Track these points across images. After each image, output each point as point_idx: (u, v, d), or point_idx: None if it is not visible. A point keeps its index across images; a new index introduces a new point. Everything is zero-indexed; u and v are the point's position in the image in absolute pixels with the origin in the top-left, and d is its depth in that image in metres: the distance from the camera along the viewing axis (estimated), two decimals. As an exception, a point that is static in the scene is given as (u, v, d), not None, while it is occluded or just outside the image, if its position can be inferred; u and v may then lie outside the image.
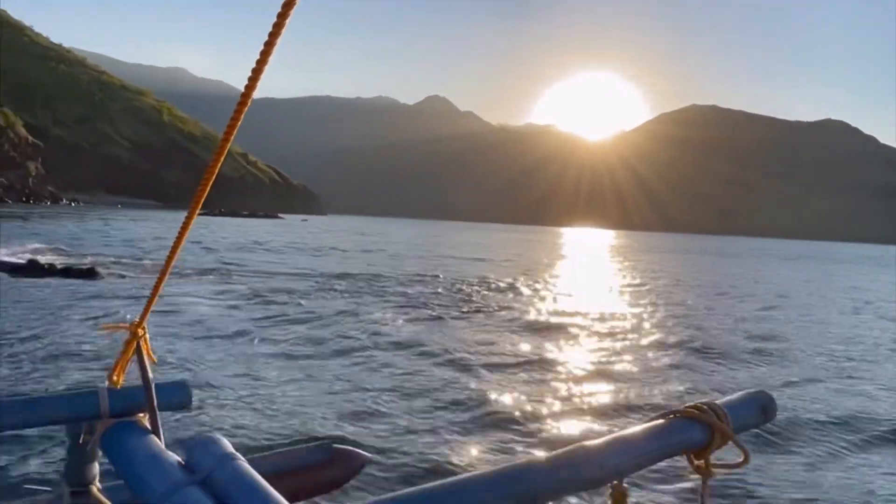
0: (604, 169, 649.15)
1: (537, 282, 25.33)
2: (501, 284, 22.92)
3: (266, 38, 1.07)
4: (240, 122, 1.20)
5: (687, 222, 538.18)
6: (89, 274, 17.16)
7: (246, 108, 1.17)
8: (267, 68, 1.09)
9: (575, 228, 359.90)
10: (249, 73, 1.10)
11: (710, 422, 1.33)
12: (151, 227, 53.25)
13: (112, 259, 23.12)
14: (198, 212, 1.40)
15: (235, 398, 7.43)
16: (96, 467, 1.63)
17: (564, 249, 68.89)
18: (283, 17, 1.05)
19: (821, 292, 28.89)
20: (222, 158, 1.28)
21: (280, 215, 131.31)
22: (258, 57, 1.08)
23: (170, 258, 1.53)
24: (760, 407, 1.44)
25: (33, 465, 5.13)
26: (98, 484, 1.65)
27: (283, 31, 1.06)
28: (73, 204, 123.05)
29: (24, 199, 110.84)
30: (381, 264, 29.28)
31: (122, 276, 18.18)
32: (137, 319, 1.67)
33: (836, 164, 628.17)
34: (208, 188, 1.36)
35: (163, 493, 1.17)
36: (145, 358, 1.64)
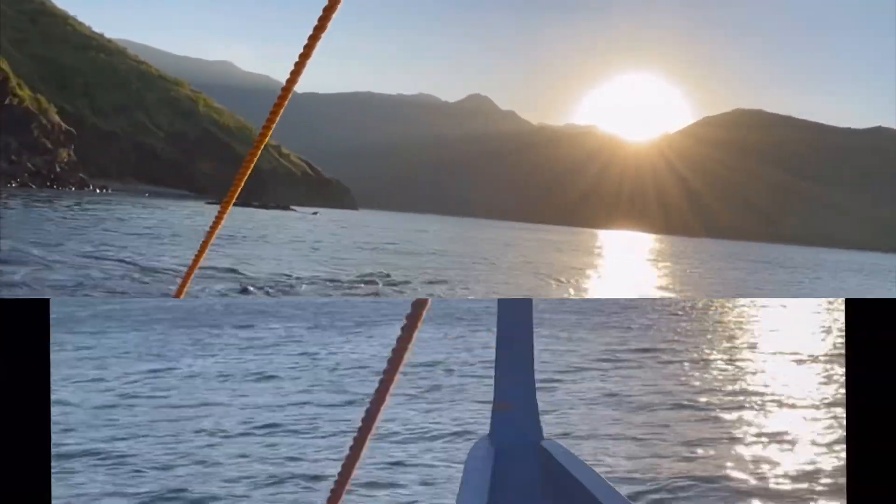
0: (645, 172, 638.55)
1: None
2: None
3: (311, 31, 1.04)
4: (279, 117, 1.14)
5: (731, 228, 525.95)
6: None
7: (286, 103, 1.14)
8: (309, 63, 1.04)
9: (613, 231, 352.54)
10: (291, 67, 1.08)
11: None
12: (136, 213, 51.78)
13: None
14: (231, 206, 1.33)
15: None
16: None
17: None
18: (329, 10, 1.02)
19: None
20: (259, 152, 1.21)
21: (292, 207, 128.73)
22: (301, 51, 1.06)
23: (196, 258, 1.43)
24: None
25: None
26: None
27: (329, 24, 1.02)
28: (98, 191, 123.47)
29: (48, 184, 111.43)
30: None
31: None
32: None
33: (888, 172, 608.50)
34: (243, 182, 1.31)
35: None
36: None
